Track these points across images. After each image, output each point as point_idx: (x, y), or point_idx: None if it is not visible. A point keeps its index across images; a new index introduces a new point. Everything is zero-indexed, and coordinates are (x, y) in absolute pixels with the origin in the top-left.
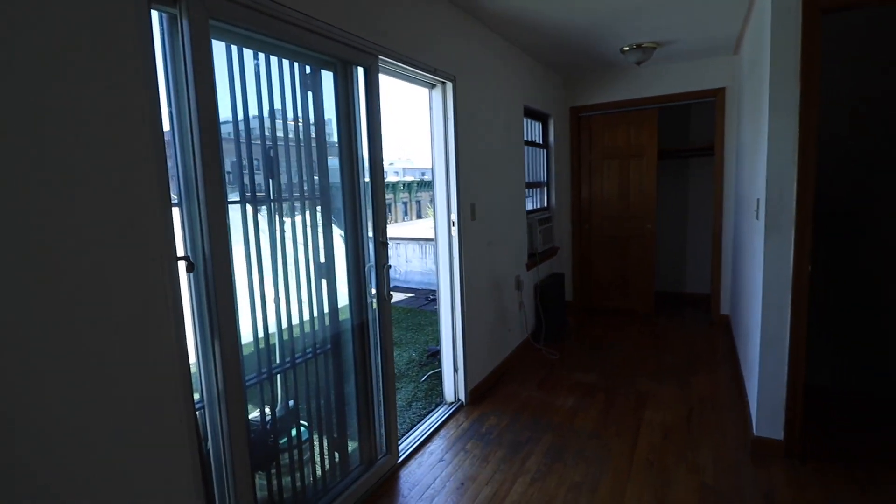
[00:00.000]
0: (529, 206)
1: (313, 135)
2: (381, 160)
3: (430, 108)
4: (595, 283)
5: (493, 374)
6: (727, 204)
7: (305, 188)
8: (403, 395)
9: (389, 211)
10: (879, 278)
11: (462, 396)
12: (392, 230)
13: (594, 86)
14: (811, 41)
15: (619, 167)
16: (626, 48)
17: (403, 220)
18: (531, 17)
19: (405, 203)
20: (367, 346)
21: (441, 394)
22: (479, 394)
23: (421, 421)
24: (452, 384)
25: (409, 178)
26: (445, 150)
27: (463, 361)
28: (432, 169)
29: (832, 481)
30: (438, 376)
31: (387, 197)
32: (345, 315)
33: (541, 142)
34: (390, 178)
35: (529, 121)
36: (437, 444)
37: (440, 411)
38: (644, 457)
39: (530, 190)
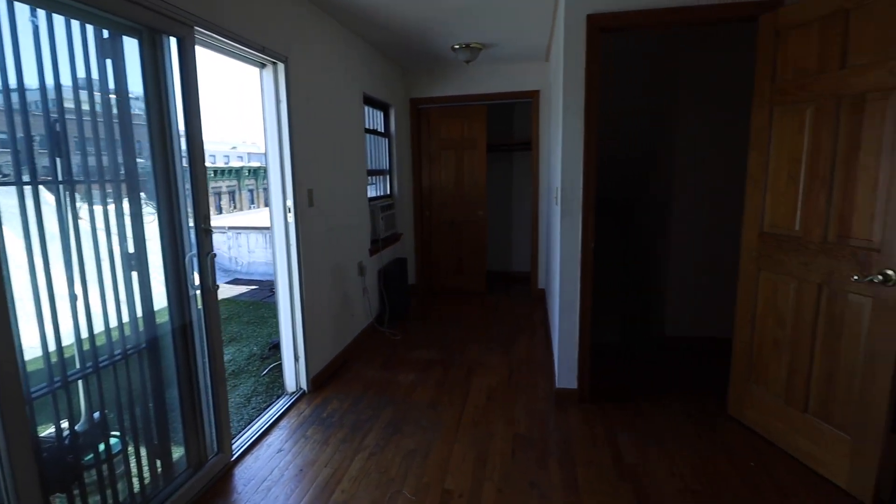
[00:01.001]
0: (373, 194)
1: (115, 110)
2: (201, 141)
3: (262, 90)
4: (435, 266)
5: (337, 359)
6: (542, 192)
7: (107, 169)
8: (243, 391)
9: (233, 199)
10: (644, 258)
11: (304, 385)
12: (236, 219)
13: (431, 80)
14: (593, 56)
15: (454, 157)
16: (457, 46)
17: (250, 208)
18: (364, 5)
19: (251, 190)
20: (191, 343)
21: (283, 385)
22: (323, 380)
23: (260, 415)
24: (294, 374)
25: (255, 164)
26: (279, 133)
27: (304, 350)
28: (265, 153)
29: (612, 416)
30: (281, 368)
31: (230, 184)
32: (162, 310)
33: (383, 130)
34: (234, 163)
35: (371, 109)
36: (276, 436)
37: (280, 402)
38: (471, 418)
39: (373, 177)
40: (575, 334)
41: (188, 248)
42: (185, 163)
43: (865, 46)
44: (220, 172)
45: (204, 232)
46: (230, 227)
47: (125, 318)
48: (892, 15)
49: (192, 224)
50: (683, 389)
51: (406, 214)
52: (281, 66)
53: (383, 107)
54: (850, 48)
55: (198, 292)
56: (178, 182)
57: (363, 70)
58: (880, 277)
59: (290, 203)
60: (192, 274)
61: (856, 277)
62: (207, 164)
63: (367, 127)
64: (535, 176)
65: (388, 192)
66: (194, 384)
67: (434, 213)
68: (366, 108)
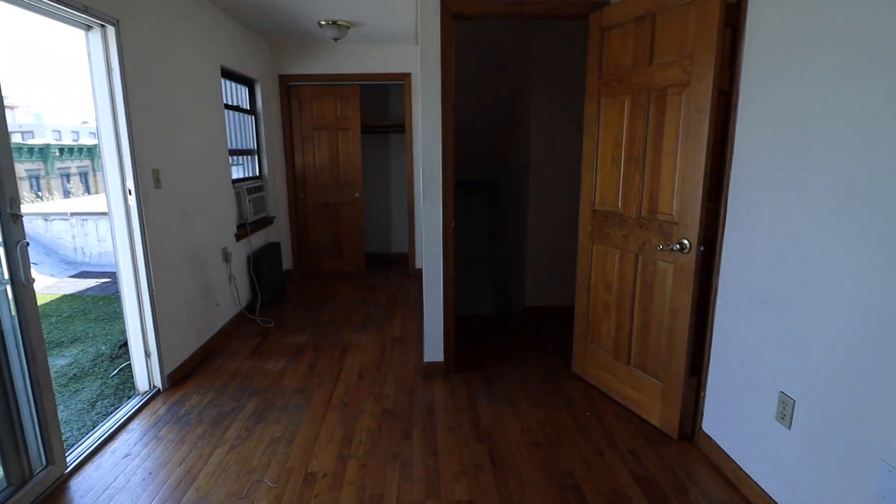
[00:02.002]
0: (239, 175)
1: None
2: (2, 111)
3: (88, 56)
4: (313, 249)
5: (199, 353)
6: (416, 174)
7: None
8: (86, 395)
9: (86, 181)
10: (507, 235)
11: (158, 383)
12: (85, 204)
13: (301, 56)
14: (446, 40)
15: (328, 138)
16: (323, 22)
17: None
18: None
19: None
20: (1, 347)
21: (134, 385)
22: (182, 375)
23: (104, 420)
24: (146, 371)
25: None
26: (112, 106)
27: (156, 345)
28: (97, 129)
29: (474, 384)
30: (132, 367)
31: (82, 164)
32: None
33: (248, 108)
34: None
35: (233, 84)
36: (123, 440)
37: (131, 404)
38: (340, 399)
39: (238, 157)
40: (439, 310)
41: None
42: None
43: (667, 46)
44: (69, 151)
45: (11, 217)
46: (73, 213)
47: None
48: (686, 19)
49: None
50: (537, 354)
51: (279, 197)
52: (111, 30)
53: (248, 82)
54: (656, 47)
55: (8, 288)
56: None
57: (221, 40)
58: (678, 246)
59: (129, 184)
60: None
61: (661, 247)
62: (52, 140)
63: (227, 103)
64: (410, 157)
65: (258, 174)
66: (9, 392)
67: (309, 196)
68: (227, 82)
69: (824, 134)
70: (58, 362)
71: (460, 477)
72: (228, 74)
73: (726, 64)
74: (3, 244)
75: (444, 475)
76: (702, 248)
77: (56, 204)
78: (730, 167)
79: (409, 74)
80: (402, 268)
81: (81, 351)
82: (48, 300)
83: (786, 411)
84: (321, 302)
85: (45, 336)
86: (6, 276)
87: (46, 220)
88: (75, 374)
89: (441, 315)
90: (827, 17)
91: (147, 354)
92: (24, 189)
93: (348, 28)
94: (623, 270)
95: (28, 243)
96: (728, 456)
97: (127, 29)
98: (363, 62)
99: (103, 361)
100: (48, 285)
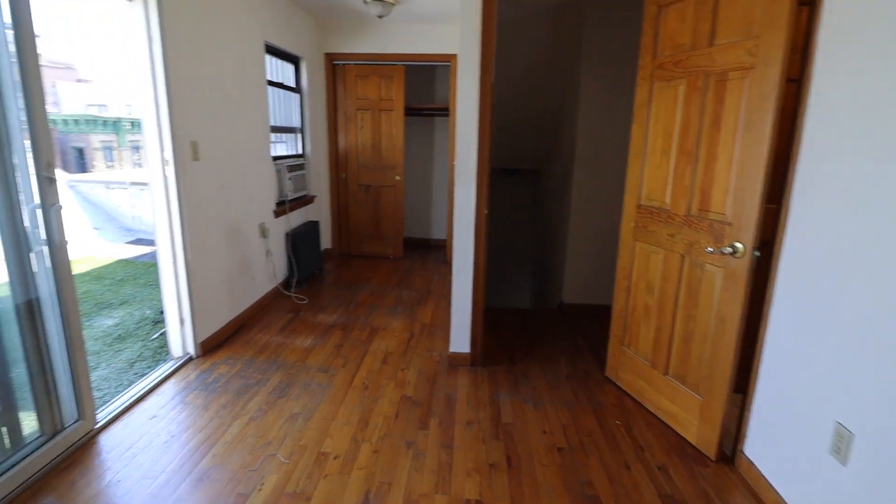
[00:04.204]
0: (283, 152)
1: None
2: (37, 64)
3: (130, 26)
4: (352, 230)
5: (232, 324)
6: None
7: None
8: (127, 356)
9: (138, 151)
10: (548, 226)
11: (191, 349)
12: (137, 175)
13: (347, 34)
14: (487, 16)
15: (371, 119)
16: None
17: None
18: None
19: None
20: (37, 305)
21: (168, 350)
22: (214, 344)
23: (138, 380)
24: (180, 338)
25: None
26: (153, 77)
27: (190, 313)
28: (138, 99)
29: (499, 378)
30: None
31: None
32: None
33: (293, 85)
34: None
35: (278, 61)
36: (152, 402)
37: (164, 368)
38: (362, 381)
39: (282, 135)
40: (468, 300)
41: (29, 198)
42: (21, 103)
43: (731, 25)
44: (138, 124)
45: (47, 181)
46: (132, 183)
47: None
48: None
49: (31, 171)
50: (570, 353)
51: (321, 176)
52: (152, 0)
53: (293, 59)
54: (718, 26)
55: (45, 249)
56: (12, 122)
57: (266, 16)
58: (730, 249)
59: (167, 155)
60: (36, 228)
61: (710, 249)
62: (123, 114)
63: (271, 80)
64: (453, 143)
65: (300, 152)
66: (43, 348)
67: (350, 177)
68: (272, 59)
69: None
70: (106, 322)
71: (472, 474)
72: (273, 51)
73: (798, 47)
74: (40, 207)
75: (456, 470)
76: (757, 254)
77: (114, 173)
78: (795, 164)
79: (454, 56)
80: (441, 254)
81: (128, 313)
82: (105, 264)
83: (842, 445)
84: (356, 283)
85: (97, 297)
86: (43, 237)
87: (108, 188)
88: (119, 335)
89: (469, 305)
90: None
91: (181, 322)
92: (99, 159)
93: (393, 5)
94: (667, 272)
95: (62, 206)
96: (770, 485)
97: (168, 0)
98: (409, 42)
99: (146, 325)
100: (105, 249)
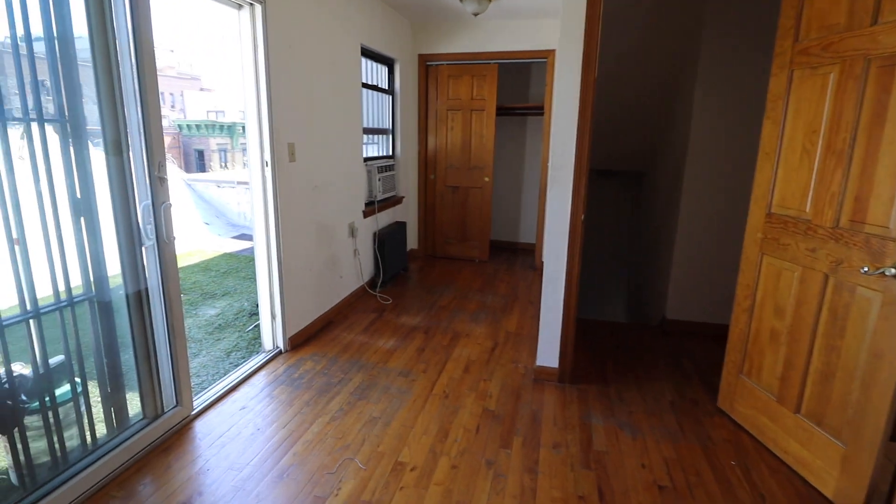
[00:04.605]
0: (374, 153)
1: (53, 35)
2: (154, 75)
3: (239, 33)
4: (437, 232)
5: (319, 320)
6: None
7: (48, 106)
8: (225, 345)
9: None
10: (651, 233)
11: (281, 344)
12: (243, 175)
13: (441, 35)
14: (593, 6)
15: (462, 119)
16: None
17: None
18: None
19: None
20: (146, 296)
21: (261, 343)
22: (302, 340)
23: (233, 370)
24: (271, 332)
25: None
26: (256, 81)
27: (280, 308)
28: (244, 103)
29: (590, 399)
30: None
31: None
32: (112, 258)
33: (386, 87)
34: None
35: (374, 64)
36: (243, 392)
37: (256, 360)
38: (442, 389)
39: (373, 136)
40: (559, 311)
41: (142, 196)
42: (139, 109)
43: None
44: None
45: (158, 180)
46: (239, 182)
47: (69, 263)
48: None
49: (145, 170)
50: (674, 377)
51: (410, 177)
52: (258, 8)
53: (387, 62)
54: (884, 1)
55: (153, 243)
56: (131, 127)
57: (362, 20)
58: (893, 270)
59: (267, 156)
60: (147, 224)
61: (866, 269)
62: (237, 119)
63: (366, 82)
64: (547, 143)
65: (390, 153)
66: (149, 336)
67: (438, 177)
68: (367, 62)
69: None
70: (209, 312)
71: None
72: (368, 54)
73: None
74: (151, 204)
75: (540, 499)
76: None
77: (226, 173)
78: None
79: (552, 52)
80: (528, 259)
81: (228, 304)
82: (212, 256)
83: None
84: (440, 285)
85: (203, 287)
86: (153, 233)
87: (219, 186)
88: (220, 325)
89: (560, 316)
90: None
91: (273, 317)
92: (215, 160)
93: (489, 1)
94: (803, 293)
95: (171, 205)
96: None
97: (273, 7)
98: (503, 40)
99: (244, 316)
100: (214, 243)
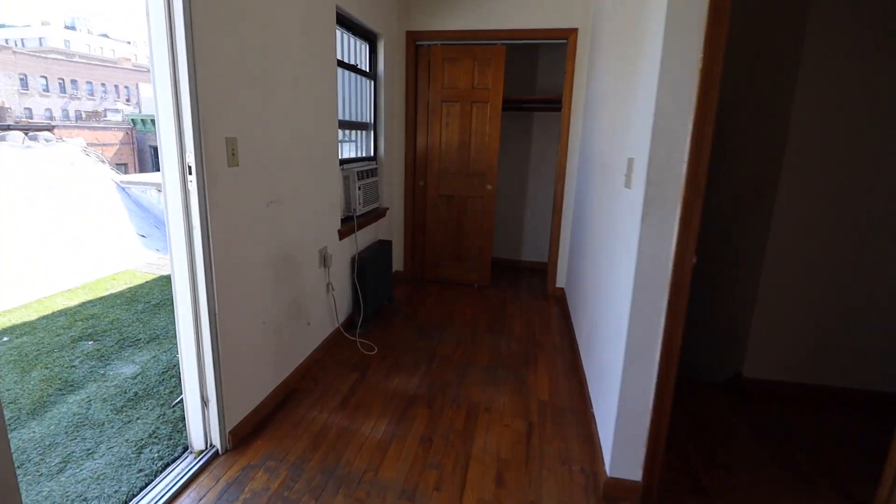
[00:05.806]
0: (350, 154)
1: None
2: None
3: None
4: (428, 251)
5: (276, 392)
6: (571, 166)
7: None
8: (137, 432)
9: None
10: (721, 258)
11: (217, 441)
12: None
13: (435, 7)
14: None
15: (460, 113)
16: None
17: None
18: None
19: None
20: None
21: (188, 441)
22: (251, 430)
23: (144, 487)
24: (202, 423)
25: None
26: (171, 42)
27: (215, 390)
28: (151, 78)
29: None
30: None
31: None
32: None
33: (367, 69)
34: None
35: (352, 38)
36: None
37: (178, 469)
38: None
39: (350, 133)
40: (647, 401)
41: None
42: None
43: None
44: None
45: None
46: None
47: None
48: None
49: None
50: (792, 484)
51: (395, 183)
52: None
53: (369, 37)
54: None
55: None
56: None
57: None
58: None
59: (189, 158)
60: None
61: None
62: None
63: (342, 60)
64: (565, 144)
65: (372, 154)
66: None
67: (430, 184)
68: (343, 34)
69: None
70: (123, 370)
71: None
72: (346, 23)
73: None
74: None
75: None
76: None
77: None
78: None
79: (574, 31)
80: (538, 283)
81: (154, 357)
82: (143, 282)
83: None
84: (436, 323)
85: (123, 330)
86: None
87: (159, 190)
88: (136, 393)
89: (649, 408)
90: None
91: (204, 402)
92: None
93: None
94: None
95: None
96: None
97: None
98: (513, 15)
99: (172, 376)
100: (149, 262)
